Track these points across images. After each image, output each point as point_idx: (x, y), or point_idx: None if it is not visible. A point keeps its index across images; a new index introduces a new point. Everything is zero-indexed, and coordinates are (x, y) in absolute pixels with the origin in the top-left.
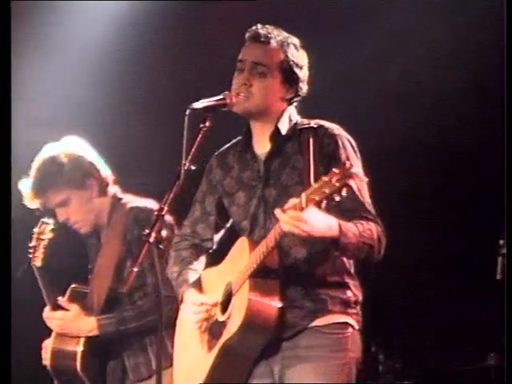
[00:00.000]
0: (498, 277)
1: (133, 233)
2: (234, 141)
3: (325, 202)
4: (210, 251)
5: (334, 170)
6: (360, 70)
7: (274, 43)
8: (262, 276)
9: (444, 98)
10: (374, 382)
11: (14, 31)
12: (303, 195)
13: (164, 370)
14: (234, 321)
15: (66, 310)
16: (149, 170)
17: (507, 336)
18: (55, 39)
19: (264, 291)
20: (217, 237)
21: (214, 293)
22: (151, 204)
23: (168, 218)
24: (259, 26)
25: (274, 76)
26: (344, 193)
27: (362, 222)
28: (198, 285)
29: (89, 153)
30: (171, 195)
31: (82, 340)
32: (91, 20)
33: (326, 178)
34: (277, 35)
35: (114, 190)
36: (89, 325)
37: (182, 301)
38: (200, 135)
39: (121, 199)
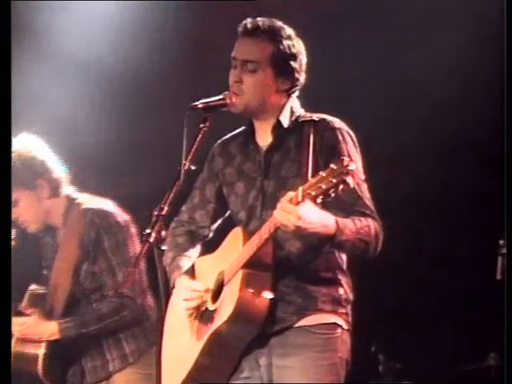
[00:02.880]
0: (498, 277)
1: (89, 236)
2: (237, 130)
3: (321, 197)
4: (206, 239)
5: (331, 165)
6: (362, 71)
7: (263, 36)
8: (254, 268)
9: (445, 99)
10: (375, 382)
11: (13, 31)
12: (300, 189)
13: (118, 371)
14: (224, 311)
15: (27, 315)
16: (148, 169)
17: (507, 336)
18: (55, 39)
19: (255, 283)
20: (214, 225)
21: (205, 280)
22: (107, 205)
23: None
24: (249, 19)
25: (264, 70)
26: (340, 189)
27: (361, 218)
28: (190, 272)
29: (41, 152)
30: (171, 195)
31: (44, 343)
32: (91, 20)
33: (323, 174)
34: (267, 27)
35: (67, 190)
36: (50, 329)
37: (173, 287)
38: (200, 135)
39: (75, 199)
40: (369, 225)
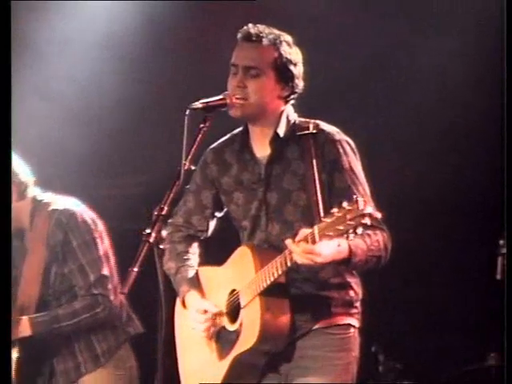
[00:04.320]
0: (498, 277)
1: (57, 237)
2: (228, 136)
3: (338, 237)
4: (202, 238)
5: (344, 205)
6: (361, 72)
7: (265, 42)
8: (272, 292)
9: (445, 100)
10: (375, 381)
11: (13, 31)
12: (316, 229)
13: (88, 373)
14: (249, 335)
15: None
16: (146, 169)
17: (507, 336)
18: (55, 39)
19: (276, 308)
20: (211, 226)
21: (215, 297)
22: (72, 204)
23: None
24: (250, 25)
25: (267, 75)
26: (360, 231)
27: (369, 232)
28: (197, 284)
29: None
30: (171, 195)
31: (16, 346)
32: (91, 20)
33: (338, 214)
34: (268, 33)
35: (33, 192)
36: (21, 325)
37: (183, 302)
38: (200, 135)
39: (41, 200)
40: (378, 239)
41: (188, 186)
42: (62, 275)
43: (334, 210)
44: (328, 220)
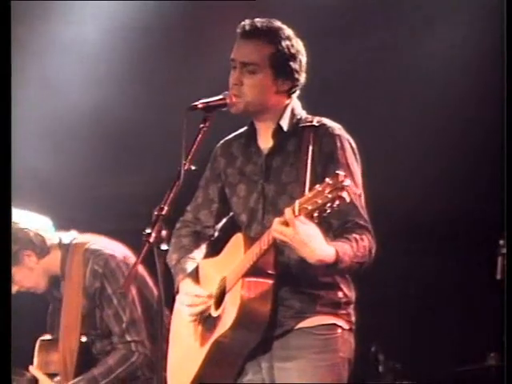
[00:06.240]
0: (498, 277)
1: (93, 287)
2: (239, 131)
3: (317, 212)
4: (212, 239)
5: (327, 179)
6: (361, 71)
7: (262, 38)
8: (255, 276)
9: (445, 100)
10: (374, 381)
11: (13, 31)
12: (296, 202)
13: None
14: (227, 319)
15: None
16: (146, 169)
17: (507, 336)
18: (55, 39)
19: (257, 291)
20: (219, 225)
21: (209, 285)
22: (102, 245)
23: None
24: (248, 21)
25: (264, 72)
26: (336, 204)
27: (356, 235)
28: (194, 275)
29: (19, 219)
30: (171, 195)
31: None
32: (90, 20)
33: (319, 188)
34: (265, 28)
35: (55, 239)
36: None
37: (177, 291)
38: (200, 135)
39: (67, 244)
40: (365, 245)
41: (199, 183)
42: (104, 319)
43: (317, 185)
44: (309, 194)
